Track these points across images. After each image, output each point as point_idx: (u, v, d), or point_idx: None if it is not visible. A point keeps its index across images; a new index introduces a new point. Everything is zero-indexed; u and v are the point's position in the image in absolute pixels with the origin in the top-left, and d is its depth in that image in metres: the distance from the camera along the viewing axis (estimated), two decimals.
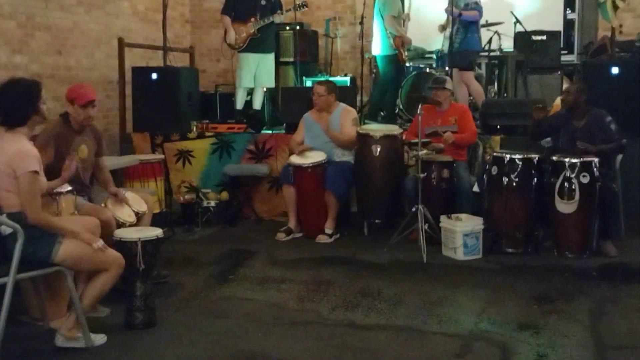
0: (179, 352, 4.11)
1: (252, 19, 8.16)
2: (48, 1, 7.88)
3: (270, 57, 8.49)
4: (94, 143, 5.10)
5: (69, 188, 4.56)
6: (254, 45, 8.23)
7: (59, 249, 3.95)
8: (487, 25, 8.56)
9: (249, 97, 8.58)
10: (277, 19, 8.27)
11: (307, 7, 8.53)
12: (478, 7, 7.97)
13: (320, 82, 7.20)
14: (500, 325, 4.49)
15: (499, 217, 6.11)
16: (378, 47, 8.64)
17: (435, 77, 7.35)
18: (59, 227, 4.03)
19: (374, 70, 9.44)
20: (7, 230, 3.87)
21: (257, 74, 8.37)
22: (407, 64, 9.06)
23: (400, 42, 8.51)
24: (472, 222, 6.03)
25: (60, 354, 4.08)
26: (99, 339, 4.20)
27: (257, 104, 8.50)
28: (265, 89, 8.68)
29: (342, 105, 7.02)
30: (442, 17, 8.40)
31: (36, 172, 3.91)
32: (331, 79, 8.31)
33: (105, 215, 4.82)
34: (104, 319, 4.54)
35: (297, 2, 8.37)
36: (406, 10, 9.38)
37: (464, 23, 8.05)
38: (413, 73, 8.76)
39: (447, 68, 8.62)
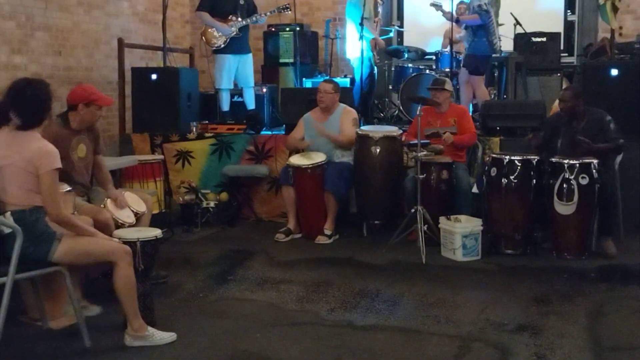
0: (178, 352, 4.11)
1: (233, 18, 8.09)
2: (48, 1, 7.88)
3: (249, 57, 8.43)
4: (91, 142, 5.12)
5: (68, 188, 4.56)
6: (234, 46, 8.17)
7: (57, 247, 3.96)
8: None
9: (238, 98, 8.57)
10: (262, 19, 8.23)
11: (289, 10, 8.38)
12: (480, 11, 7.89)
13: (326, 81, 7.21)
14: (499, 326, 4.49)
15: (498, 218, 6.12)
16: (352, 50, 8.62)
17: (435, 78, 7.35)
18: (78, 227, 4.07)
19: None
20: (6, 230, 3.87)
21: (240, 76, 8.34)
22: (407, 65, 9.09)
23: (374, 44, 8.52)
24: (471, 223, 6.03)
25: (59, 354, 4.09)
26: (168, 337, 4.22)
27: (250, 104, 8.48)
28: (265, 90, 8.68)
29: (342, 105, 7.02)
30: (440, 19, 8.41)
31: (59, 170, 3.96)
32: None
33: (104, 216, 4.83)
34: (104, 320, 4.52)
35: (280, 5, 8.29)
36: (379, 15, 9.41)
37: (473, 27, 8.03)
38: (412, 74, 8.78)
39: (447, 69, 8.64)
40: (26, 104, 4.00)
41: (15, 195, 3.95)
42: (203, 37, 8.24)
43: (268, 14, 8.28)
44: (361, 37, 8.24)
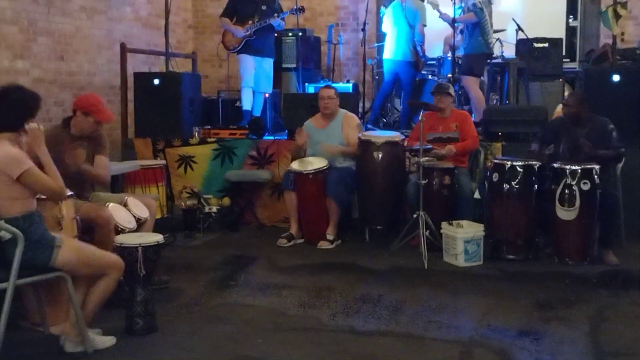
0: (179, 357, 4.12)
1: (250, 22, 8.22)
2: (50, 6, 7.91)
3: (269, 62, 8.50)
4: (92, 148, 5.11)
5: (70, 193, 4.57)
6: (250, 47, 8.28)
7: (58, 253, 3.96)
8: None
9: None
10: (275, 22, 8.29)
11: (303, 11, 8.58)
12: (475, 9, 7.90)
13: (327, 87, 7.21)
14: (500, 331, 4.49)
15: (499, 223, 6.12)
16: (401, 52, 8.61)
17: (439, 83, 7.36)
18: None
19: (377, 77, 9.48)
20: (6, 236, 3.87)
21: (255, 78, 8.40)
22: None
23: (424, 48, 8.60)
24: (473, 228, 6.03)
25: (60, 359, 4.09)
26: (108, 341, 4.22)
27: (256, 110, 8.49)
28: (267, 95, 8.69)
29: (343, 111, 7.03)
30: (442, 24, 8.42)
31: (30, 169, 3.91)
32: (333, 85, 8.30)
33: (105, 213, 4.84)
34: (104, 323, 4.51)
35: (293, 7, 8.45)
36: None
37: (468, 27, 8.05)
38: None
39: (449, 75, 8.65)
40: (7, 105, 3.97)
41: (3, 205, 3.94)
42: (222, 41, 8.47)
43: (281, 16, 8.34)
44: (419, 41, 8.51)
